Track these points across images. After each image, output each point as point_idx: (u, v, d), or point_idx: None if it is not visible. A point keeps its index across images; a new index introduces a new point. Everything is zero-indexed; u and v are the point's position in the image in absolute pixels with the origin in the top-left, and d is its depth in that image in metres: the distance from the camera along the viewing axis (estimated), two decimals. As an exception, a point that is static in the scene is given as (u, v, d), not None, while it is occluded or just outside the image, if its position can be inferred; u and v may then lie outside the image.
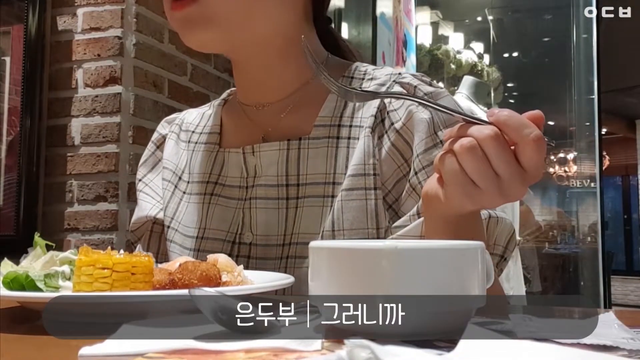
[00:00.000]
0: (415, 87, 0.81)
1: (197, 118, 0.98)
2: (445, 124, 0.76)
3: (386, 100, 0.81)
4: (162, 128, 1.01)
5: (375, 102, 0.82)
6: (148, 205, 0.95)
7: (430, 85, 0.82)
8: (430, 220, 0.66)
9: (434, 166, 0.60)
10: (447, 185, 0.58)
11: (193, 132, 0.96)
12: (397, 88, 0.82)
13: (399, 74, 0.85)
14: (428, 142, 0.76)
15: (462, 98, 2.98)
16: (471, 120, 0.56)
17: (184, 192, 0.92)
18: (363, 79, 0.86)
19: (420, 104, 0.75)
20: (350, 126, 0.82)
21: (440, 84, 0.92)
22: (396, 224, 0.77)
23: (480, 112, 2.98)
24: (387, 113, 0.81)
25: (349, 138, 0.82)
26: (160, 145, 0.99)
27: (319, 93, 0.84)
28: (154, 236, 0.95)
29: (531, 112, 0.55)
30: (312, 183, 0.81)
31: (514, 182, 0.55)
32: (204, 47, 0.85)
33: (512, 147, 0.55)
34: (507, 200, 0.57)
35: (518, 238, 0.83)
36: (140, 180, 0.98)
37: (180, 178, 0.93)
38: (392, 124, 0.80)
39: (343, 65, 0.90)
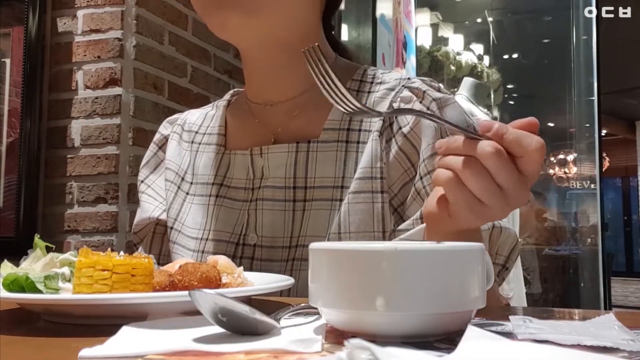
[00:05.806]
0: (424, 92, 0.81)
1: (199, 119, 0.98)
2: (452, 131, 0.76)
3: (394, 104, 0.81)
4: (164, 129, 1.01)
5: (384, 107, 0.82)
6: (151, 206, 0.95)
7: (439, 90, 0.82)
8: (433, 234, 0.64)
9: (433, 181, 0.58)
10: (453, 205, 0.57)
11: (196, 132, 0.96)
12: (406, 93, 0.82)
13: (408, 78, 0.85)
14: (435, 147, 0.76)
15: (462, 100, 2.98)
16: (470, 136, 0.55)
17: (187, 193, 0.92)
18: (372, 82, 0.86)
19: (422, 116, 0.75)
20: (360, 130, 0.82)
21: (440, 86, 0.92)
22: (399, 227, 0.77)
23: (480, 113, 2.99)
24: (395, 117, 0.81)
25: (358, 142, 0.82)
26: (162, 146, 0.99)
27: None
28: (157, 237, 0.95)
29: (525, 120, 0.54)
30: (320, 186, 0.81)
31: (517, 191, 0.54)
32: (225, 30, 0.82)
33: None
34: (512, 209, 0.56)
35: (519, 239, 0.82)
36: (142, 181, 0.98)
37: (183, 179, 0.93)
38: (400, 128, 0.80)
39: (351, 68, 0.90)
